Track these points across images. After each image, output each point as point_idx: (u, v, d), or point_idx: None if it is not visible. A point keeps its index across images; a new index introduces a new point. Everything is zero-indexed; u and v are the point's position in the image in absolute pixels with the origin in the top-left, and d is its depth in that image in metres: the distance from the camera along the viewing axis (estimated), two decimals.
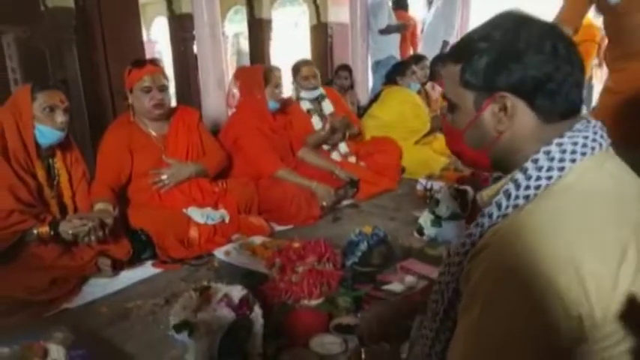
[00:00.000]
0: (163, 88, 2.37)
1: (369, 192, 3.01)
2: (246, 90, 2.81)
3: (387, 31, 5.16)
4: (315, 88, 3.28)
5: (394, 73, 3.99)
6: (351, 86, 4.90)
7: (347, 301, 1.56)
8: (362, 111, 4.26)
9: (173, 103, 2.99)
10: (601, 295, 0.65)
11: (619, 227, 0.70)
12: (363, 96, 5.08)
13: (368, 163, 3.26)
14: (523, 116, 0.79)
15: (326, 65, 6.32)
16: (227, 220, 2.31)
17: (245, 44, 8.81)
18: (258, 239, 2.16)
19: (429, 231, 2.14)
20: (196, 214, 2.25)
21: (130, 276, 1.96)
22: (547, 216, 0.71)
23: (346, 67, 4.89)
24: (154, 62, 2.44)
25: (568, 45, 0.78)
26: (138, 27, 5.63)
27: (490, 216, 0.79)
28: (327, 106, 3.35)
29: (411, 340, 1.10)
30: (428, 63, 4.33)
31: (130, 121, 2.39)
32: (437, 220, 2.13)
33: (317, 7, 6.49)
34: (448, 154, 3.64)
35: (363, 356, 1.32)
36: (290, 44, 7.74)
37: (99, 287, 1.87)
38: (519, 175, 0.77)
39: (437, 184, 2.65)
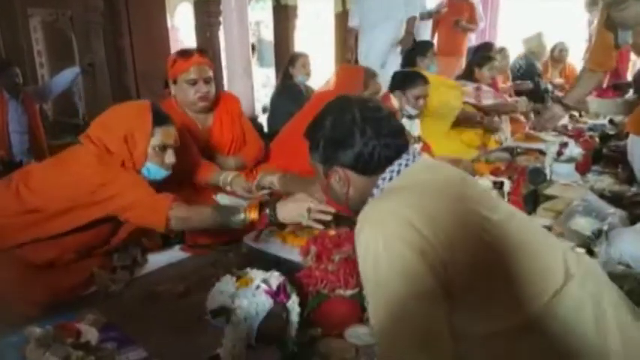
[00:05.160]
0: (209, 80, 2.24)
1: None
2: (341, 88, 2.56)
3: (427, 15, 5.09)
4: None
5: (414, 53, 3.80)
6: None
7: None
8: None
9: None
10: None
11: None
12: None
13: None
14: (355, 179, 1.09)
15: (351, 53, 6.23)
16: None
17: (266, 33, 8.76)
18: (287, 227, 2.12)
19: None
20: (225, 200, 2.21)
21: (159, 259, 1.94)
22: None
23: None
24: (201, 52, 2.27)
25: (376, 121, 1.06)
26: (163, 14, 5.64)
27: None
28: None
29: None
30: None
31: (179, 112, 2.28)
32: None
33: None
34: (477, 146, 3.55)
35: None
36: (312, 32, 7.65)
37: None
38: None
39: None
